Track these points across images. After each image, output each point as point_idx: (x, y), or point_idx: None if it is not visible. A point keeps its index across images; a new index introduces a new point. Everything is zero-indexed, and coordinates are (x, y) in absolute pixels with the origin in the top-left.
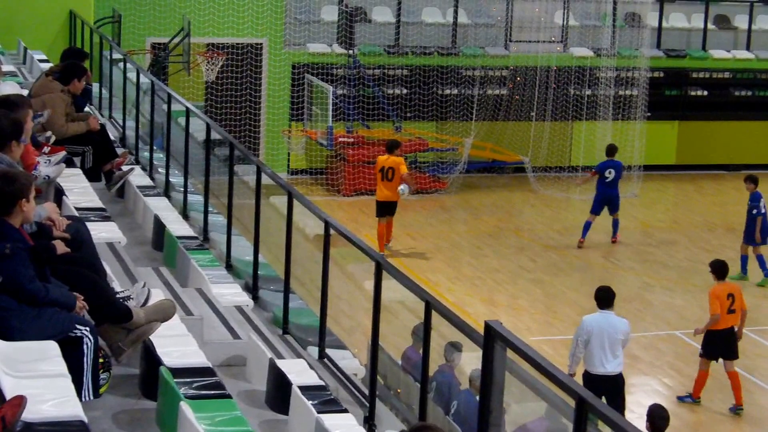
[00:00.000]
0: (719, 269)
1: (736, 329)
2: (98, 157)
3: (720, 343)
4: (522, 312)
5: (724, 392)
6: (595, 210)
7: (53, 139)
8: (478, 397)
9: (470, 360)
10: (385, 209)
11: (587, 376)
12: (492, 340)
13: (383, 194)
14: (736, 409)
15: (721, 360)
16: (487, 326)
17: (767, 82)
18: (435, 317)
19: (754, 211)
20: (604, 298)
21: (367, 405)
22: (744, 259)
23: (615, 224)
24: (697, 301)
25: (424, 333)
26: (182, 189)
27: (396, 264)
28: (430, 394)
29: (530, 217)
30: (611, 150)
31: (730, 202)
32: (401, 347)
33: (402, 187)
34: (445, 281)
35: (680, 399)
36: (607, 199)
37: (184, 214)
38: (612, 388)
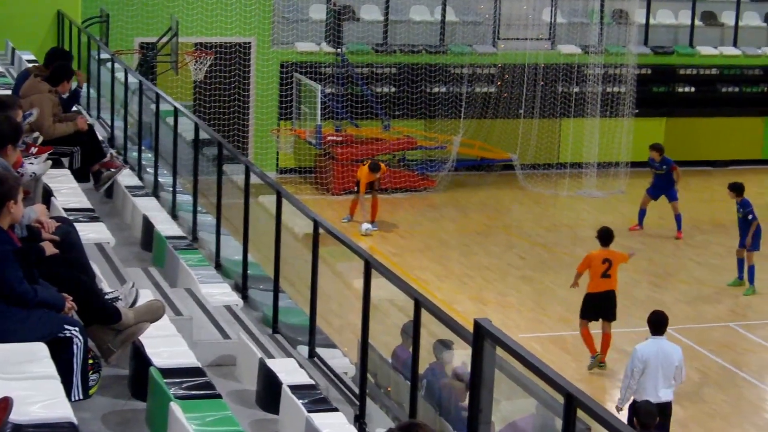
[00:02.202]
0: (603, 236)
1: (612, 292)
2: (86, 157)
3: (596, 305)
4: (511, 309)
5: (714, 388)
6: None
7: (41, 139)
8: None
9: (460, 358)
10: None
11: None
12: (481, 337)
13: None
14: (596, 361)
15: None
16: (477, 324)
17: (754, 79)
18: (424, 315)
19: (750, 217)
20: (658, 324)
21: (358, 404)
22: (741, 263)
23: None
24: (684, 296)
25: (413, 331)
26: (171, 189)
27: (385, 262)
28: (421, 392)
29: (519, 215)
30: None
31: (717, 199)
32: (391, 346)
33: (367, 226)
34: (434, 279)
35: (590, 367)
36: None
37: (173, 214)
38: (663, 415)
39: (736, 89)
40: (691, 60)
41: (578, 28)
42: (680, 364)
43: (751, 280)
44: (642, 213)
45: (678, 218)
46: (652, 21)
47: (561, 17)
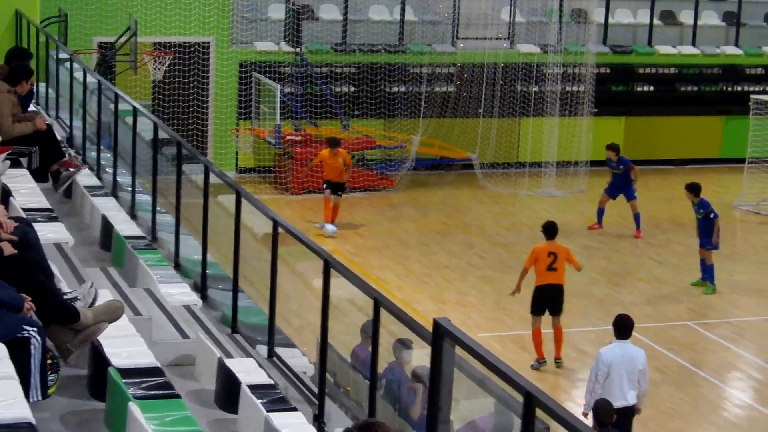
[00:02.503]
0: (547, 229)
1: (560, 286)
2: (45, 157)
3: (544, 299)
4: (471, 308)
5: (673, 387)
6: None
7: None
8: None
9: (420, 357)
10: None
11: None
12: (440, 337)
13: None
14: (541, 366)
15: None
16: (436, 323)
17: (713, 78)
18: (383, 315)
19: (712, 215)
20: (623, 328)
21: (317, 403)
22: (703, 263)
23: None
24: (643, 295)
25: (372, 330)
26: (130, 189)
27: (345, 262)
28: (380, 391)
29: (478, 214)
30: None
31: (677, 198)
32: (351, 345)
33: (329, 227)
34: (394, 279)
35: (532, 367)
36: None
37: (132, 214)
38: (629, 418)
39: (695, 88)
40: (649, 59)
41: (537, 28)
42: (644, 367)
43: (711, 279)
44: (600, 212)
45: (637, 217)
46: (610, 20)
47: (520, 16)
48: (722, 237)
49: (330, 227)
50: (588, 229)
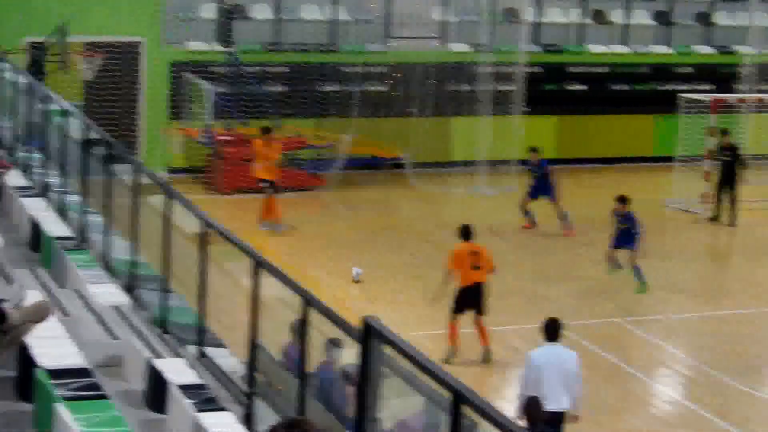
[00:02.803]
0: (463, 232)
1: (483, 285)
2: None
3: (468, 299)
4: (403, 307)
5: (602, 383)
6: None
7: None
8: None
9: (351, 356)
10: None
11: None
12: (369, 335)
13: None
14: (453, 355)
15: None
16: (365, 322)
17: (644, 76)
18: (315, 314)
19: (633, 231)
20: (552, 330)
21: (246, 403)
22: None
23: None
24: (575, 292)
25: (301, 329)
26: (59, 189)
27: (276, 261)
28: (311, 390)
29: (409, 213)
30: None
31: (609, 196)
32: (282, 344)
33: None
34: (326, 278)
35: (445, 361)
36: None
37: (62, 215)
38: (559, 422)
39: (627, 87)
40: (581, 58)
41: (469, 27)
42: (576, 370)
43: (641, 277)
44: (527, 213)
45: (564, 216)
46: (542, 19)
47: (452, 16)
48: (652, 235)
49: (356, 270)
50: (522, 229)
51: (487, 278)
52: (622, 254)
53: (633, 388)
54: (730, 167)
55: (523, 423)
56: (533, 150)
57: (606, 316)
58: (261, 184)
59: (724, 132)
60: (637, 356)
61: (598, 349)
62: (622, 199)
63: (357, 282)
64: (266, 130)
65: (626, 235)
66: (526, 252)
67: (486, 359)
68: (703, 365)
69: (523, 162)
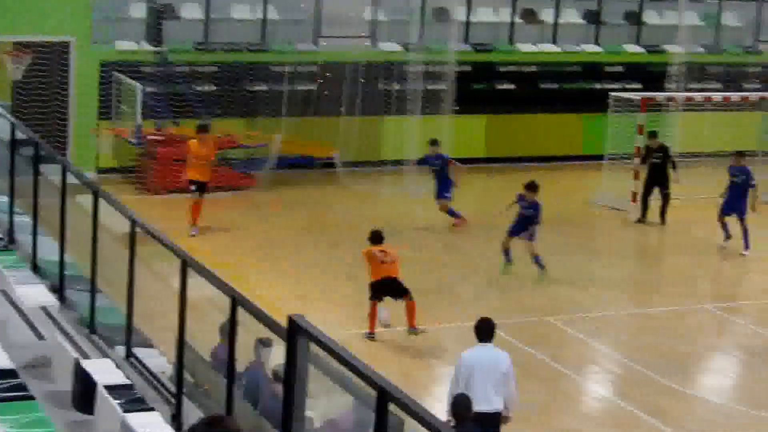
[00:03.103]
0: (374, 237)
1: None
2: None
3: (384, 290)
4: (335, 306)
5: (531, 381)
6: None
7: None
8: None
9: (280, 356)
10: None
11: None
12: (295, 333)
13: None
14: (412, 330)
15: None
16: (291, 320)
17: (573, 76)
18: (244, 314)
19: (536, 220)
20: (485, 331)
21: (175, 403)
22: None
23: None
24: (505, 291)
25: (229, 328)
26: None
27: (208, 262)
28: (240, 390)
29: (341, 212)
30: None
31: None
32: (211, 344)
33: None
34: (258, 278)
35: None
36: None
37: None
38: (494, 425)
39: (556, 86)
40: (511, 57)
41: (399, 26)
42: (508, 371)
43: (541, 266)
44: (450, 211)
45: (450, 212)
46: (472, 18)
47: (382, 15)
48: (581, 233)
49: (385, 315)
50: (453, 227)
51: (397, 271)
52: (519, 246)
53: (563, 386)
54: (660, 169)
55: (452, 422)
56: (433, 143)
57: (535, 314)
58: (190, 187)
59: (653, 134)
60: (567, 354)
61: (527, 347)
62: (533, 187)
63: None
64: (202, 129)
65: (526, 223)
66: (455, 249)
67: (412, 333)
68: (633, 362)
69: (421, 161)
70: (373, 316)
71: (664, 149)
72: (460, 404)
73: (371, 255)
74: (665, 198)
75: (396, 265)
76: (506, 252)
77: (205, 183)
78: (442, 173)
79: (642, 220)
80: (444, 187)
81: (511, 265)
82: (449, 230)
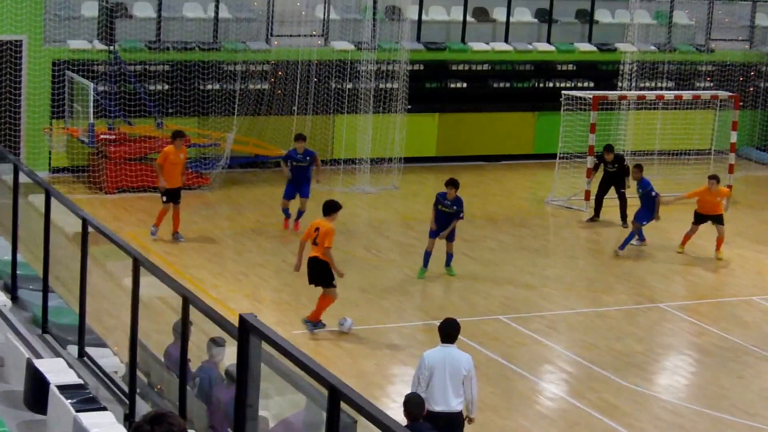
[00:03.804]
0: (324, 207)
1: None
2: None
3: (310, 270)
4: (286, 306)
5: (484, 381)
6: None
7: None
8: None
9: (233, 355)
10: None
11: (428, 414)
12: (246, 332)
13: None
14: (312, 325)
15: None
16: (242, 319)
17: (525, 74)
18: (197, 314)
19: (461, 215)
20: (449, 333)
21: (128, 402)
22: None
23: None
24: (457, 290)
25: (181, 327)
26: None
27: (160, 262)
28: (194, 390)
29: (292, 211)
30: None
31: (489, 193)
32: (164, 344)
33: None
34: (209, 278)
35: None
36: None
37: None
38: (454, 425)
39: (508, 85)
40: (463, 56)
41: (351, 25)
42: (469, 373)
43: (449, 263)
44: (285, 211)
45: (299, 214)
46: (424, 17)
47: (334, 13)
48: (534, 232)
49: (348, 322)
50: (285, 229)
51: (321, 254)
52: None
53: (517, 385)
54: (615, 176)
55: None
56: (300, 138)
57: (488, 313)
58: (162, 197)
59: (609, 148)
60: (520, 353)
61: (480, 346)
62: (454, 183)
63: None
64: (178, 135)
65: (448, 220)
66: (408, 249)
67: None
68: (586, 362)
69: (285, 157)
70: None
71: (620, 159)
72: (412, 403)
73: (310, 231)
74: (621, 198)
75: (321, 248)
76: (427, 255)
77: (179, 189)
78: (306, 171)
79: (594, 219)
80: (307, 185)
81: (426, 271)
82: (401, 229)
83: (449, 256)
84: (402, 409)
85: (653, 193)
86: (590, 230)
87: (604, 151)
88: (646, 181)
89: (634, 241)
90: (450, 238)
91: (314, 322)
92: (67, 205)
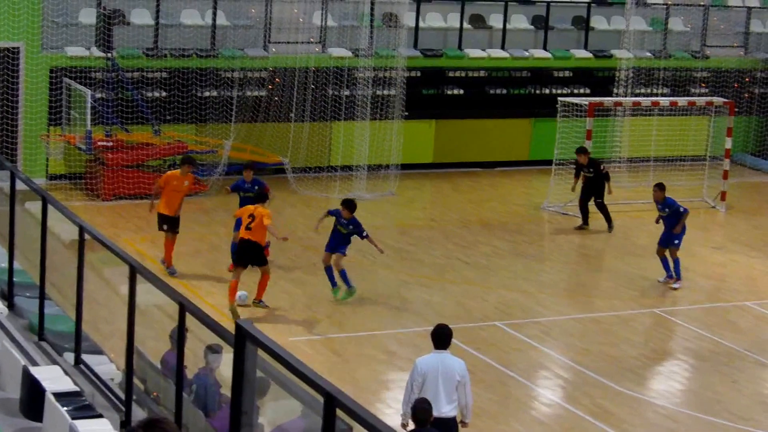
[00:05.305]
0: (258, 197)
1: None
2: None
3: (242, 252)
4: (283, 312)
5: (481, 386)
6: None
7: None
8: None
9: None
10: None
11: None
12: (243, 340)
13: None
14: (264, 303)
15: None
16: (238, 326)
17: (521, 81)
18: (192, 320)
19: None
20: (441, 338)
21: (124, 410)
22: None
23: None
24: (453, 296)
25: (178, 334)
26: None
27: (156, 269)
28: (190, 397)
29: (291, 218)
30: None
31: (485, 199)
32: (161, 351)
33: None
34: (206, 285)
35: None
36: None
37: None
38: (444, 429)
39: (504, 91)
40: (459, 62)
41: (348, 32)
42: (463, 379)
43: (348, 282)
44: (238, 221)
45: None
46: (421, 24)
47: (331, 20)
48: (531, 237)
49: (242, 294)
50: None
51: (257, 238)
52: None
53: (512, 391)
54: (593, 181)
55: (411, 426)
56: (249, 166)
57: (484, 319)
58: (163, 226)
59: (581, 150)
60: (516, 359)
61: (476, 352)
62: (350, 205)
63: (243, 306)
64: (188, 161)
65: (344, 239)
66: (403, 254)
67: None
68: (581, 367)
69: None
70: (233, 291)
71: (594, 164)
72: (419, 409)
73: (243, 213)
74: (600, 207)
75: (258, 233)
76: (328, 270)
77: (177, 218)
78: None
79: (583, 226)
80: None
81: (338, 288)
82: (396, 235)
83: (341, 273)
84: (397, 415)
85: (681, 209)
86: (585, 236)
87: (577, 154)
88: (671, 200)
89: (660, 278)
90: (342, 252)
91: (260, 300)
92: (63, 213)
